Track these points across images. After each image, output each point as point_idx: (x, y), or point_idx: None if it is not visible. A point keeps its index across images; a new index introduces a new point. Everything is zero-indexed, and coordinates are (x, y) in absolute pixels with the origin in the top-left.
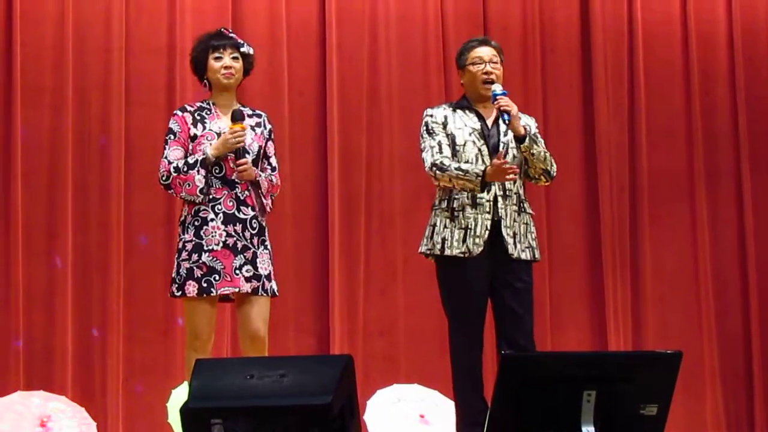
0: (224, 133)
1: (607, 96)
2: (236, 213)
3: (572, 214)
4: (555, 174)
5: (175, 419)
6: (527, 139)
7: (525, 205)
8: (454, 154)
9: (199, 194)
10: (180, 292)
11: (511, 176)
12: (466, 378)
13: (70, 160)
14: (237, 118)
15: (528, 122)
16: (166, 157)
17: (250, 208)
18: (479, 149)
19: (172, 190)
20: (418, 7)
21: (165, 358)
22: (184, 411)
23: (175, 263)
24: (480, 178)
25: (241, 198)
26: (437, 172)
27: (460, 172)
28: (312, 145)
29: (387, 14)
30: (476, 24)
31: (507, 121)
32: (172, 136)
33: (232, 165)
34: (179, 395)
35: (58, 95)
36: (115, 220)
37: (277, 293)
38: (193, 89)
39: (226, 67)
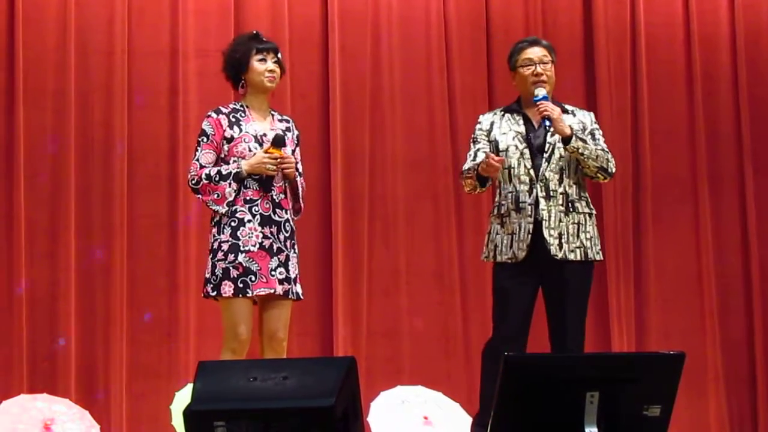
0: (263, 147)
1: (610, 98)
2: (272, 215)
3: None
4: (614, 170)
5: (178, 422)
6: (573, 139)
7: (577, 204)
8: None
9: (225, 206)
10: (215, 292)
11: (487, 171)
12: (487, 376)
13: (73, 162)
14: (279, 143)
15: (583, 120)
16: (197, 160)
17: (284, 210)
18: (521, 152)
19: (199, 195)
20: (421, 9)
21: (168, 360)
22: (188, 413)
23: (210, 263)
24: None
25: (277, 201)
26: (461, 179)
27: (466, 172)
28: (315, 147)
29: (389, 16)
30: (479, 26)
31: (548, 127)
32: (205, 139)
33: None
34: (183, 397)
35: (61, 98)
36: (118, 222)
37: (302, 296)
38: (196, 91)
39: (270, 71)
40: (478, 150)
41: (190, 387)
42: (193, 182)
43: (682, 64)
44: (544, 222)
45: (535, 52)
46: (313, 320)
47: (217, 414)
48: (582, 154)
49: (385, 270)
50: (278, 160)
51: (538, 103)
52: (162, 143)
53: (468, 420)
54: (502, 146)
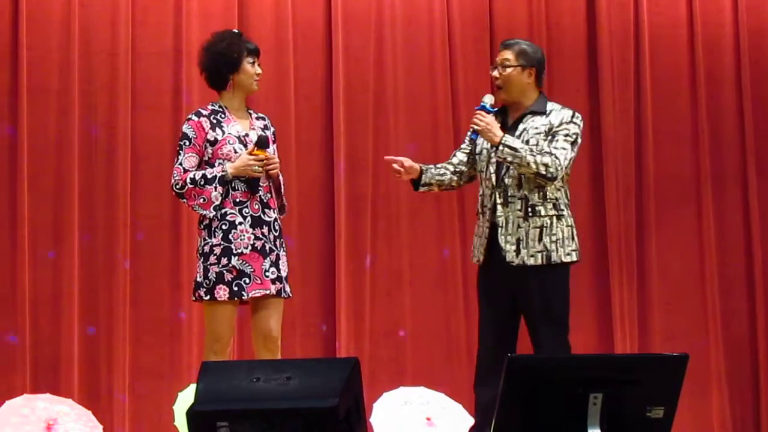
0: (248, 149)
1: (614, 99)
2: (262, 216)
3: (578, 217)
4: (554, 174)
5: (181, 422)
6: (498, 148)
7: (539, 208)
8: (474, 161)
9: (212, 210)
10: (209, 296)
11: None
12: (476, 377)
13: (76, 162)
14: (262, 144)
15: (552, 121)
16: (180, 164)
17: (272, 210)
18: (489, 156)
19: (184, 200)
20: (424, 10)
21: (171, 360)
22: (191, 414)
23: (201, 267)
24: None
25: (265, 201)
26: None
27: None
28: (318, 148)
29: (393, 17)
30: (482, 27)
31: (473, 140)
32: (187, 142)
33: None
34: (186, 398)
35: (64, 98)
36: (121, 222)
37: (290, 294)
38: (199, 92)
39: (258, 74)
40: (457, 150)
41: (193, 387)
42: (178, 187)
43: (686, 65)
44: (500, 229)
45: (500, 55)
46: (317, 320)
47: (220, 414)
48: (511, 162)
49: (388, 270)
50: (263, 161)
51: (477, 112)
52: (165, 144)
53: (471, 421)
54: (478, 149)
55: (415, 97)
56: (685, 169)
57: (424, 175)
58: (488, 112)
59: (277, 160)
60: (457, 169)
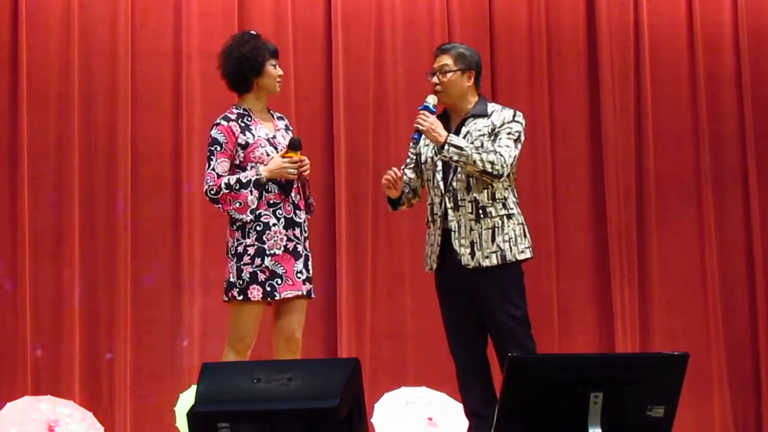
0: (280, 152)
1: (614, 99)
2: (294, 217)
3: (579, 217)
4: (500, 172)
5: (182, 423)
6: (444, 147)
7: (489, 209)
8: (420, 172)
9: (249, 214)
10: (242, 296)
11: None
12: (459, 386)
13: (77, 164)
14: (296, 147)
15: (495, 121)
16: (213, 169)
17: (302, 211)
18: (435, 164)
19: (219, 205)
20: (425, 11)
21: (173, 361)
22: (192, 415)
23: (235, 267)
24: None
25: (295, 202)
26: None
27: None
28: (319, 149)
29: (393, 18)
30: (482, 27)
31: (416, 140)
32: (218, 147)
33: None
34: (187, 399)
35: (64, 99)
36: (122, 224)
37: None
38: (200, 93)
39: (280, 76)
40: (404, 167)
41: (194, 388)
42: (212, 192)
43: (686, 65)
44: (453, 233)
45: (437, 62)
46: (318, 321)
47: (221, 415)
48: (457, 162)
49: (389, 271)
50: (297, 163)
51: (420, 112)
52: (166, 145)
53: None
54: (423, 159)
55: (415, 98)
56: (686, 168)
57: (403, 196)
58: (431, 112)
59: (308, 161)
60: (412, 186)
